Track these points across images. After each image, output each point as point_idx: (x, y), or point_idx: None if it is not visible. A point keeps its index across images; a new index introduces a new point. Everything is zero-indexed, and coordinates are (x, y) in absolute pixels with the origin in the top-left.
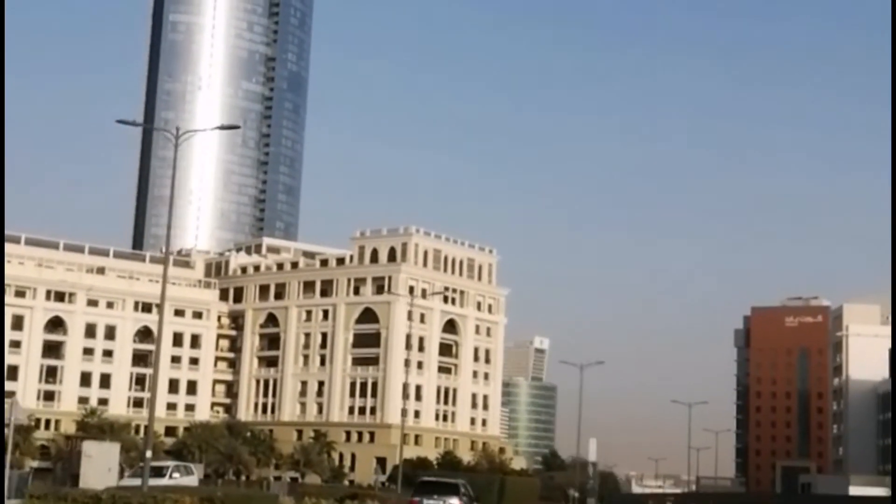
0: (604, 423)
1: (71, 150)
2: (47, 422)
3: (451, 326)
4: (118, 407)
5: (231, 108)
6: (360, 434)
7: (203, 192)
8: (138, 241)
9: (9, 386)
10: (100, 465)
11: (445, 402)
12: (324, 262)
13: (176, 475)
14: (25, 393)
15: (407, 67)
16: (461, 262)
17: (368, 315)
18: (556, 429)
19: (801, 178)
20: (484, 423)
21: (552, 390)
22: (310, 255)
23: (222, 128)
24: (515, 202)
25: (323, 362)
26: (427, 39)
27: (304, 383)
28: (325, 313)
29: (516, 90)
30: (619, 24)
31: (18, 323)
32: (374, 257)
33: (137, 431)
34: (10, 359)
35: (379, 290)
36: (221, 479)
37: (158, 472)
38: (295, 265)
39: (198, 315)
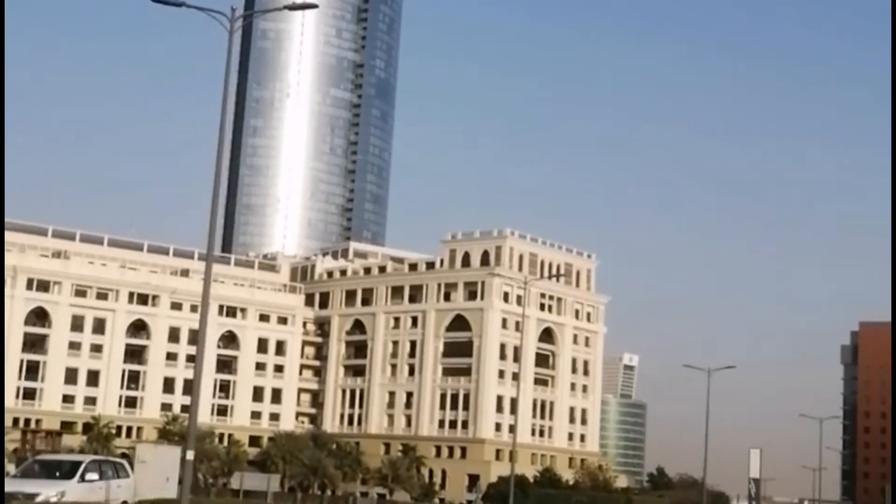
0: (698, 444)
1: (159, 156)
2: (129, 429)
3: (547, 335)
4: (201, 415)
5: (319, 115)
6: (450, 449)
7: (290, 200)
8: (227, 249)
9: (90, 392)
10: (156, 473)
11: (542, 417)
12: (413, 267)
13: (92, 476)
14: (107, 399)
15: (496, 73)
16: (558, 267)
17: (460, 322)
18: (647, 447)
19: None
20: (582, 438)
21: (642, 408)
22: (398, 260)
23: (295, 7)
24: (606, 211)
25: (412, 372)
26: (517, 44)
27: (391, 394)
28: (414, 320)
29: (615, 95)
30: (734, 31)
31: (100, 326)
32: (466, 261)
33: (221, 440)
34: (91, 364)
35: (471, 296)
36: (304, 494)
37: (57, 472)
38: (383, 269)
39: (283, 321)
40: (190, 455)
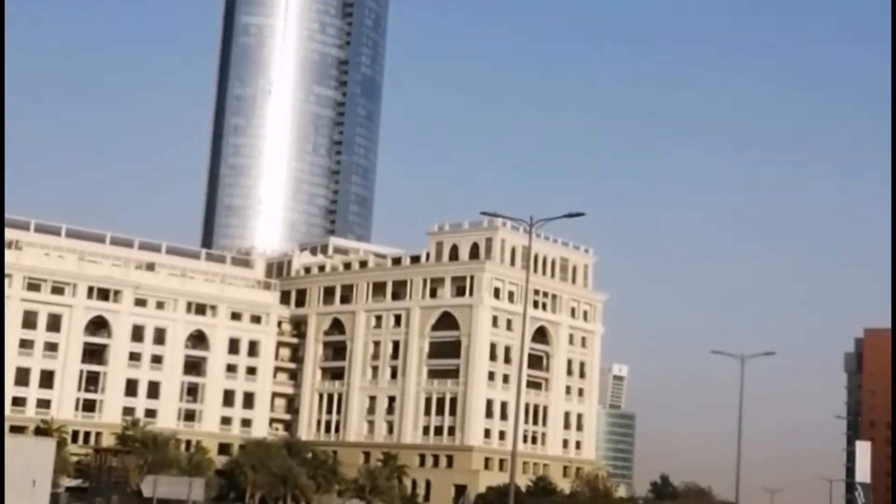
0: (697, 457)
1: (140, 155)
2: (86, 435)
3: (541, 335)
4: (167, 419)
5: (302, 113)
6: (435, 458)
7: (272, 202)
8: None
9: (43, 394)
10: (18, 474)
11: (535, 422)
12: (396, 261)
13: None
14: (62, 402)
15: (487, 70)
16: (553, 262)
17: (447, 321)
18: (635, 458)
19: None
20: (578, 445)
21: (631, 419)
22: (381, 255)
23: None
24: (605, 205)
25: (394, 375)
26: (507, 41)
27: (372, 399)
28: (398, 319)
29: (612, 88)
30: (721, 32)
31: (55, 323)
32: (454, 255)
33: (188, 447)
34: (45, 364)
35: (459, 292)
36: None
37: None
38: (364, 265)
39: (256, 319)
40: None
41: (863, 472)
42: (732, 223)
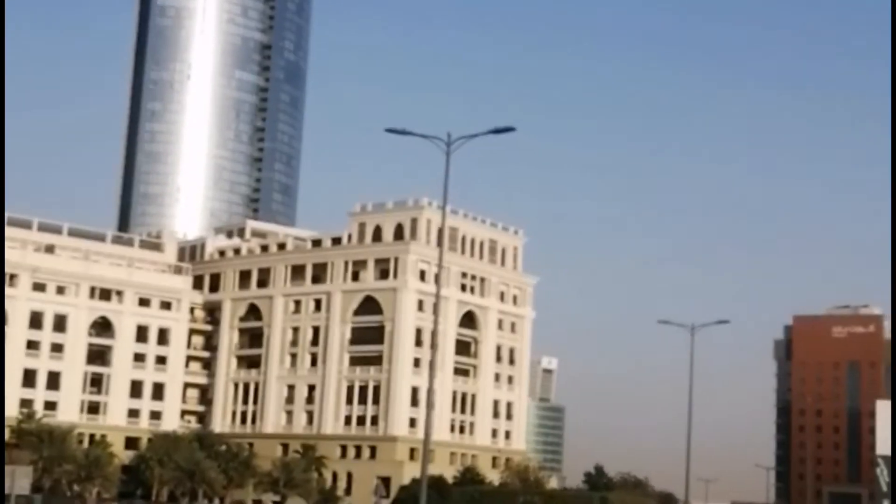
0: (630, 449)
1: (50, 140)
2: None
3: (469, 320)
4: (69, 412)
5: (223, 99)
6: (358, 449)
7: (192, 190)
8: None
9: None
10: None
11: (462, 411)
12: (316, 243)
13: None
14: None
15: (412, 58)
16: (482, 244)
17: (369, 305)
18: (565, 451)
19: (843, 178)
20: (508, 435)
21: (560, 412)
22: (301, 239)
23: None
24: (535, 187)
25: (314, 362)
26: (434, 26)
27: (291, 388)
28: (318, 303)
29: (539, 70)
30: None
31: None
32: (378, 236)
33: (92, 441)
34: None
35: (382, 274)
36: (190, 502)
37: None
38: (282, 247)
39: (166, 305)
40: None
41: (884, 442)
42: (671, 212)
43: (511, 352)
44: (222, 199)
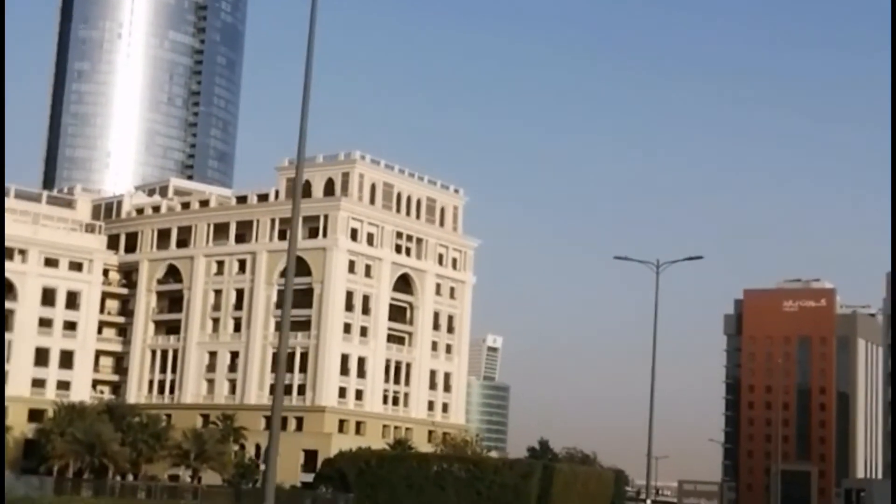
0: (576, 426)
1: None
2: None
3: (404, 283)
4: None
5: (155, 60)
6: (283, 419)
7: (122, 154)
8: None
9: None
10: None
11: (396, 381)
12: (241, 199)
13: None
14: None
15: (352, 18)
16: (419, 202)
17: (298, 266)
18: (509, 431)
19: (797, 153)
20: (445, 408)
21: (505, 391)
22: (225, 197)
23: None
24: (475, 144)
25: (238, 328)
26: None
27: (212, 355)
28: (242, 264)
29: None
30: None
31: None
32: (307, 192)
33: None
34: None
35: (312, 233)
36: (74, 481)
37: None
38: (204, 204)
39: (76, 266)
40: None
41: None
42: (627, 178)
43: (450, 319)
44: (155, 164)
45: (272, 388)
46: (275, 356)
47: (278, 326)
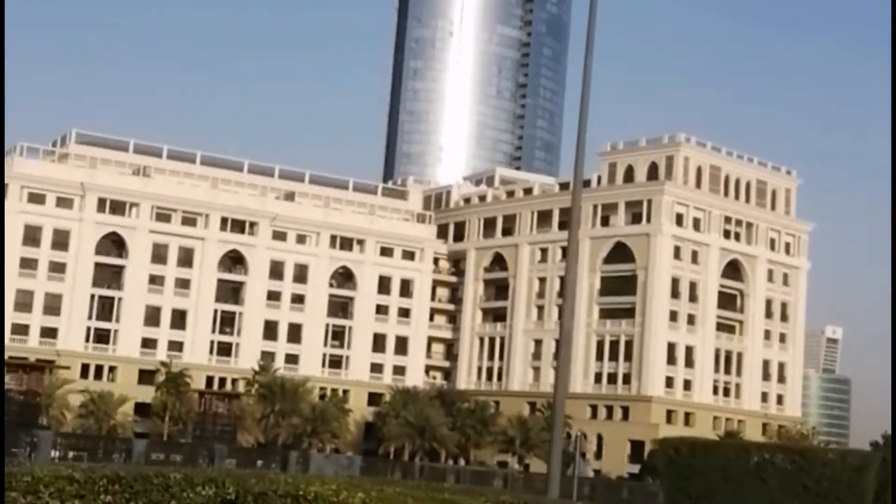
0: None
1: (317, 100)
2: (221, 381)
3: (733, 270)
4: (310, 366)
5: (485, 55)
6: (609, 409)
7: (454, 149)
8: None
9: (175, 335)
10: None
11: (727, 371)
12: (563, 186)
13: None
14: (195, 345)
15: (680, 12)
16: (748, 185)
17: (620, 252)
18: (851, 426)
19: None
20: (780, 400)
21: (846, 384)
22: (549, 184)
23: None
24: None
25: (561, 315)
26: None
27: (537, 342)
28: (565, 252)
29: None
30: None
31: (188, 258)
32: (629, 176)
33: (334, 396)
34: (176, 302)
35: (634, 219)
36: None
37: None
38: (528, 192)
39: (409, 255)
40: None
41: None
42: None
43: (783, 307)
44: (484, 156)
45: (597, 377)
46: (599, 344)
47: (602, 314)
